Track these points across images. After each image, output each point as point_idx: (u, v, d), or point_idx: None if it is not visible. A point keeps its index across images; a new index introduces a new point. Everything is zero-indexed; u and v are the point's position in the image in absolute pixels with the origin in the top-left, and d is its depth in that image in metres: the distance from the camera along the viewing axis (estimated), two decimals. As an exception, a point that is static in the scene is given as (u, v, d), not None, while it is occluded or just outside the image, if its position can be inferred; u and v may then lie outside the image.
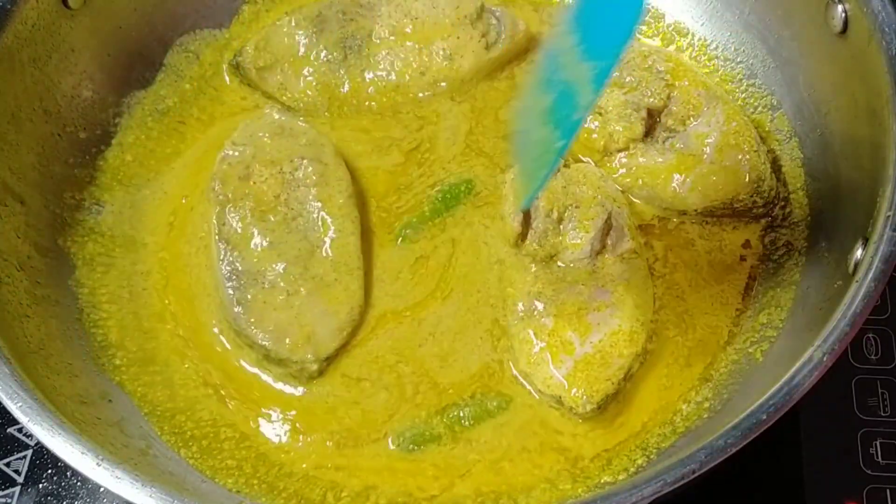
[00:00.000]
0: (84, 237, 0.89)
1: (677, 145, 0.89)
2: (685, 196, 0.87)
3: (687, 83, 0.91)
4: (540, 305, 0.81)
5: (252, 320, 0.82)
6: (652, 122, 0.91)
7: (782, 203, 0.88)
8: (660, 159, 0.89)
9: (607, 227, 0.83)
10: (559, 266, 0.82)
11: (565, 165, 0.87)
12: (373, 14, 0.99)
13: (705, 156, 0.88)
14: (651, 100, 0.90)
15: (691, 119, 0.90)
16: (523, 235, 0.84)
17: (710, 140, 0.88)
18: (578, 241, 0.82)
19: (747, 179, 0.86)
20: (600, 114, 0.91)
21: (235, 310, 0.82)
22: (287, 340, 0.81)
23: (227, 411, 0.81)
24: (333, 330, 0.82)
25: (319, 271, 0.84)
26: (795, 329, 0.78)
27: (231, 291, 0.83)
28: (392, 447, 0.79)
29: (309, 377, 0.82)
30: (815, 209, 0.86)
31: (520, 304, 0.82)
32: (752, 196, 0.86)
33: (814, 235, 0.85)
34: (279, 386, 0.82)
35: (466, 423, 0.80)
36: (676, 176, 0.88)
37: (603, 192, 0.85)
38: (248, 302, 0.82)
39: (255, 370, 0.83)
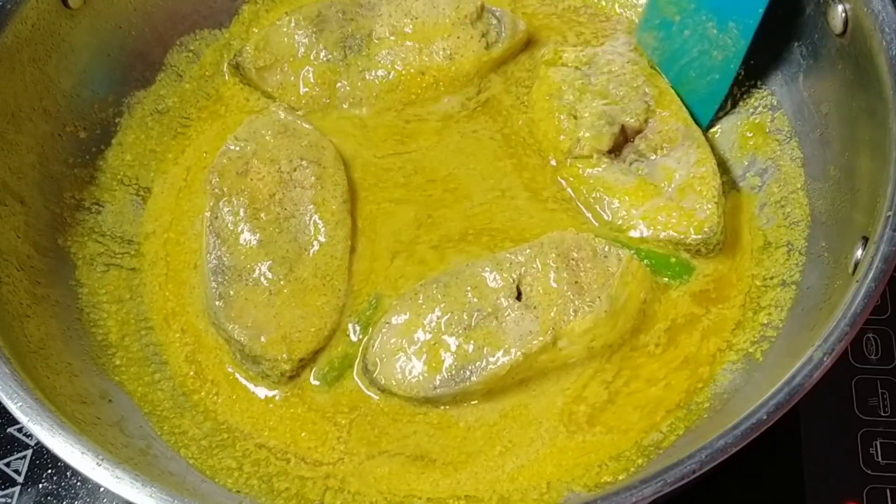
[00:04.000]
0: (84, 237, 0.89)
1: (642, 171, 0.89)
2: (634, 222, 0.87)
3: (668, 114, 0.91)
4: None
5: (231, 315, 0.82)
6: (623, 140, 0.91)
7: (782, 203, 0.88)
8: (621, 178, 0.89)
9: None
10: None
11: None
12: (373, 14, 0.99)
13: (666, 191, 0.88)
14: (628, 118, 0.90)
15: (664, 150, 0.90)
16: None
17: (675, 177, 0.88)
18: None
19: (699, 227, 0.86)
20: (575, 116, 0.91)
21: (216, 304, 0.82)
22: (263, 338, 0.81)
23: (226, 411, 0.82)
24: (311, 333, 0.82)
25: (304, 274, 0.84)
26: (795, 329, 0.78)
27: (215, 285, 0.83)
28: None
29: (280, 376, 0.81)
30: (815, 209, 0.86)
31: None
32: (698, 244, 0.86)
33: (814, 235, 0.85)
34: (270, 387, 0.82)
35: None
36: (631, 199, 0.88)
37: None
38: (230, 297, 0.83)
39: (235, 370, 0.83)
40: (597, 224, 0.89)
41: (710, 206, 0.86)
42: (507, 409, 0.80)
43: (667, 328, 0.83)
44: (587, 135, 0.90)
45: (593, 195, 0.89)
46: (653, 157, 0.90)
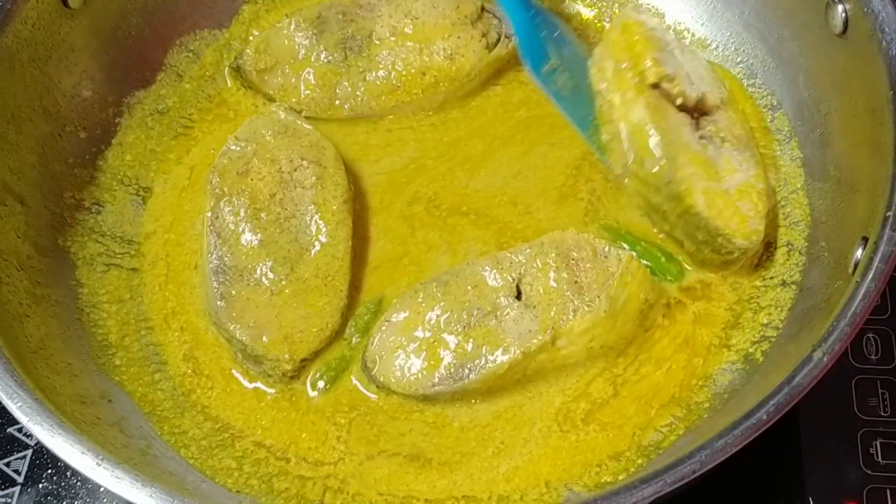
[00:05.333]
0: (84, 237, 0.89)
1: (709, 150, 0.85)
2: (694, 189, 0.82)
3: (735, 116, 0.89)
4: None
5: (233, 315, 0.82)
6: (701, 112, 0.87)
7: (782, 203, 0.88)
8: (692, 141, 0.84)
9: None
10: None
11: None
12: (373, 15, 0.99)
13: (727, 182, 0.84)
14: (708, 90, 0.87)
15: (729, 145, 0.86)
16: None
17: (737, 176, 0.84)
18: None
19: (747, 235, 0.82)
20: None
21: (218, 304, 0.83)
22: (264, 338, 0.81)
23: (227, 411, 0.82)
24: (313, 333, 0.82)
25: (306, 274, 0.84)
26: (795, 329, 0.78)
27: (216, 285, 0.83)
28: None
29: (282, 376, 0.82)
30: (815, 209, 0.86)
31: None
32: (735, 249, 0.83)
33: (814, 235, 0.85)
34: (269, 385, 0.83)
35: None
36: (696, 167, 0.83)
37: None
38: (231, 297, 0.83)
39: (233, 368, 0.84)
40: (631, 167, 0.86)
41: (761, 223, 0.83)
42: (500, 411, 0.80)
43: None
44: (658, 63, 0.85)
45: (655, 138, 0.83)
46: (720, 145, 0.85)
